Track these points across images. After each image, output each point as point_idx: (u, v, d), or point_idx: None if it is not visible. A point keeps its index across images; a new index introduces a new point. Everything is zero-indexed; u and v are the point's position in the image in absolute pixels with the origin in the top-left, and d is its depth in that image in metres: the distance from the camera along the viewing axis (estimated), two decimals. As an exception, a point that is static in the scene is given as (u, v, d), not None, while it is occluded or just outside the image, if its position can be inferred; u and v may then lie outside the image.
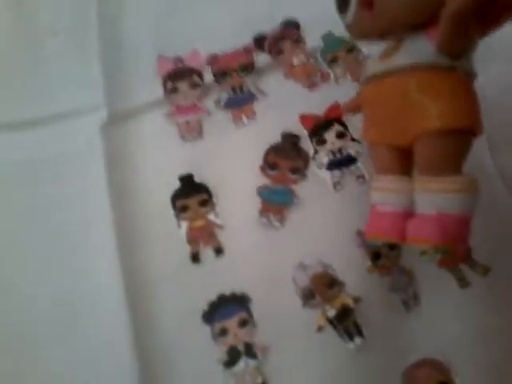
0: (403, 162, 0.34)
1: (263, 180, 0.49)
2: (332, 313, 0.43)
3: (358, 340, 0.42)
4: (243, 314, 0.44)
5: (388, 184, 0.35)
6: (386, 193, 0.35)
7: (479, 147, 0.48)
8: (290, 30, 0.54)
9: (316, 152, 0.49)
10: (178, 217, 0.48)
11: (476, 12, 0.28)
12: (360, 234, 0.45)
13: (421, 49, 0.31)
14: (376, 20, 0.32)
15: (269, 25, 0.55)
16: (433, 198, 0.31)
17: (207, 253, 0.47)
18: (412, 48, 0.32)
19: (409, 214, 0.33)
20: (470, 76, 0.32)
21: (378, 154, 0.36)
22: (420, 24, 0.31)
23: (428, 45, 0.31)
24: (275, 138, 0.50)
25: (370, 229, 0.36)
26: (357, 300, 0.43)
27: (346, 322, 0.43)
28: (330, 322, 0.43)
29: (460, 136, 0.31)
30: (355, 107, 0.41)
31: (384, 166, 0.36)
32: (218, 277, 0.46)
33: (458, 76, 0.31)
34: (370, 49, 0.52)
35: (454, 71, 0.31)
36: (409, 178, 0.34)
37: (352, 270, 0.45)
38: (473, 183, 0.31)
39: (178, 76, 0.53)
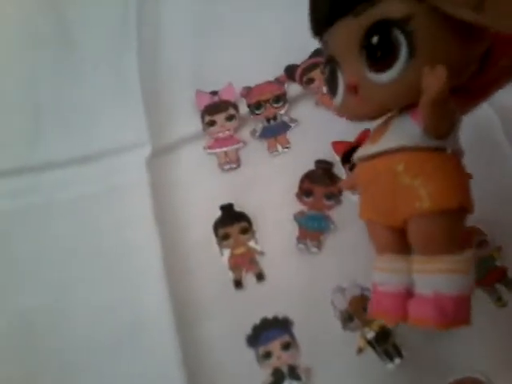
0: (401, 240, 0.34)
1: (299, 207, 0.51)
2: (371, 335, 0.44)
3: (397, 360, 0.43)
4: (286, 337, 0.46)
5: (387, 264, 0.35)
6: (386, 272, 0.34)
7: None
8: (320, 58, 0.56)
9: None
10: (220, 244, 0.50)
11: (456, 89, 0.30)
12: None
13: (407, 131, 0.31)
14: (362, 104, 0.33)
15: (299, 54, 0.57)
16: (428, 278, 0.31)
17: (249, 279, 0.49)
18: (399, 130, 0.32)
19: (410, 292, 0.33)
20: (457, 154, 0.33)
21: (375, 234, 0.36)
22: (406, 107, 0.32)
23: (414, 126, 0.31)
24: (309, 165, 0.52)
25: (372, 309, 0.36)
26: (395, 322, 0.45)
27: (385, 344, 0.44)
28: (370, 343, 0.44)
29: (451, 216, 0.31)
30: (353, 185, 0.40)
31: (382, 246, 0.35)
32: (261, 301, 0.48)
33: (445, 156, 0.31)
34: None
35: (442, 151, 0.31)
36: (408, 256, 0.34)
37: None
38: (468, 262, 0.31)
39: (215, 109, 0.56)
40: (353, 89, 0.32)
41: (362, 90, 0.32)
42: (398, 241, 0.34)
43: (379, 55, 0.30)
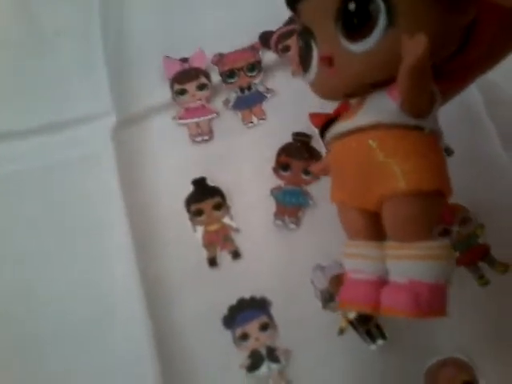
0: (375, 225, 0.31)
1: (276, 181, 0.48)
2: (353, 315, 0.43)
3: (380, 341, 0.42)
4: (264, 318, 0.44)
5: (359, 250, 0.32)
6: (358, 259, 0.32)
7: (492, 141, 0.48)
8: (296, 26, 0.53)
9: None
10: (192, 221, 0.47)
11: (436, 70, 0.28)
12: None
13: (383, 107, 0.29)
14: (336, 78, 0.31)
15: (275, 20, 0.54)
16: (403, 265, 0.29)
17: (224, 257, 0.46)
18: (374, 106, 0.30)
19: (384, 281, 0.31)
20: (436, 135, 0.30)
21: (347, 218, 0.33)
22: (382, 83, 0.29)
23: (390, 103, 0.29)
24: (286, 137, 0.50)
25: (342, 298, 0.33)
26: (377, 301, 0.43)
27: (367, 324, 0.43)
28: (352, 324, 0.43)
29: (427, 199, 0.29)
30: (325, 168, 0.38)
31: (355, 231, 0.33)
32: (237, 281, 0.46)
33: (423, 135, 0.29)
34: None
35: (419, 130, 0.29)
36: (382, 242, 0.31)
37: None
38: (445, 248, 0.29)
39: (185, 77, 0.52)
40: (327, 61, 0.30)
41: (336, 62, 0.30)
42: (372, 226, 0.31)
43: (356, 23, 0.28)
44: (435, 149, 0.30)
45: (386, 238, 0.31)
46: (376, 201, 0.30)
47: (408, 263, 0.29)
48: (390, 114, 0.29)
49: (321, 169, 0.39)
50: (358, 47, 0.28)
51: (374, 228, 0.31)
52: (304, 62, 0.33)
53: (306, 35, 0.32)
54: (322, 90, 0.33)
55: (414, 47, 0.25)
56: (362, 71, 0.29)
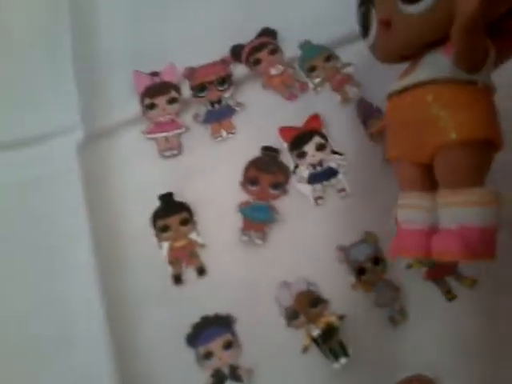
0: (427, 178, 0.34)
1: (244, 196, 0.48)
2: (316, 332, 0.42)
3: (343, 360, 0.42)
4: (228, 336, 0.43)
5: (412, 201, 0.35)
6: (410, 210, 0.35)
7: None
8: (267, 39, 0.53)
9: (296, 166, 0.48)
10: (158, 237, 0.47)
11: (492, 28, 0.30)
12: (342, 249, 0.45)
13: (438, 64, 0.32)
14: (394, 40, 0.34)
15: (246, 35, 0.53)
16: (454, 211, 0.31)
17: (190, 273, 0.46)
18: (429, 64, 0.33)
19: (434, 230, 0.33)
20: (489, 90, 0.33)
21: (401, 171, 0.36)
22: (437, 43, 0.32)
23: (445, 60, 0.32)
24: (255, 152, 0.49)
25: (395, 247, 0.36)
26: (341, 318, 0.43)
27: (330, 342, 0.42)
28: (315, 341, 0.42)
29: (479, 148, 0.31)
30: (382, 128, 0.40)
31: (409, 183, 0.36)
32: (201, 298, 0.45)
33: (476, 89, 0.32)
34: (349, 57, 0.51)
35: (473, 85, 0.32)
36: (433, 194, 0.34)
37: (336, 286, 0.44)
38: (493, 195, 0.31)
39: (156, 91, 0.52)
40: (385, 24, 0.34)
41: (394, 25, 0.33)
42: (424, 178, 0.34)
43: None
44: (487, 102, 0.32)
45: (437, 188, 0.33)
46: (430, 152, 0.32)
47: (458, 209, 0.31)
48: (445, 69, 0.32)
49: (380, 129, 0.42)
50: (415, 9, 0.31)
51: (427, 179, 0.34)
52: (364, 28, 0.37)
53: (366, 2, 0.36)
54: (380, 52, 0.37)
55: (468, 3, 0.28)
56: (418, 32, 0.32)
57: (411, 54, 0.35)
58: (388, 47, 0.36)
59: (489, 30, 0.30)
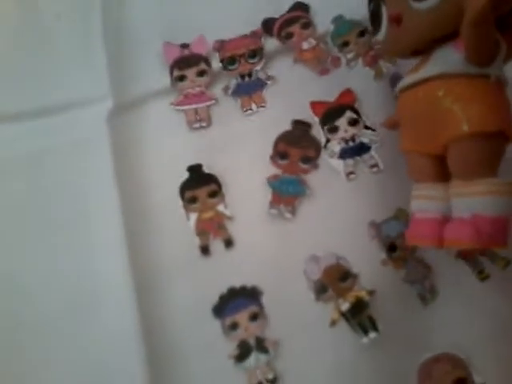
0: (439, 169, 0.35)
1: (273, 170, 0.47)
2: (346, 306, 0.42)
3: (372, 334, 0.41)
4: (254, 308, 0.43)
5: (425, 192, 0.36)
6: (424, 200, 0.36)
7: None
8: (300, 13, 0.52)
9: (328, 140, 0.47)
10: (186, 208, 0.46)
11: (502, 22, 0.31)
12: (374, 225, 0.44)
13: (448, 58, 0.33)
14: (405, 35, 0.35)
15: (278, 8, 0.53)
16: (466, 201, 0.32)
17: (217, 245, 0.46)
18: (440, 58, 0.33)
19: (447, 219, 0.34)
20: (500, 82, 0.33)
21: (414, 163, 0.37)
22: (448, 38, 0.33)
23: (456, 54, 0.32)
24: (286, 125, 0.48)
25: (409, 235, 0.37)
26: (371, 293, 0.42)
27: (360, 316, 0.42)
28: (344, 315, 0.42)
29: (490, 140, 0.31)
30: (395, 122, 0.41)
31: (421, 175, 0.37)
32: (229, 269, 0.45)
33: (487, 82, 0.32)
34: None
35: (484, 78, 0.32)
36: (446, 184, 0.35)
37: (366, 262, 0.43)
38: (506, 185, 0.31)
39: (185, 63, 0.51)
40: (396, 20, 0.34)
41: (405, 20, 0.34)
42: (436, 169, 0.35)
43: None
44: (499, 95, 0.33)
45: (448, 179, 0.34)
46: (442, 144, 0.33)
47: (471, 199, 0.32)
48: (456, 64, 0.32)
49: (392, 122, 0.42)
50: (424, 5, 0.32)
51: (439, 171, 0.35)
52: (375, 23, 0.38)
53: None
54: (391, 47, 0.38)
55: None
56: (428, 27, 0.33)
57: (422, 48, 0.35)
58: (399, 42, 0.36)
59: (498, 24, 0.30)
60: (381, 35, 0.37)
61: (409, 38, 0.35)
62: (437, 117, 0.33)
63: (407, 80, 0.35)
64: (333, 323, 0.42)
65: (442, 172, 0.35)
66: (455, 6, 0.30)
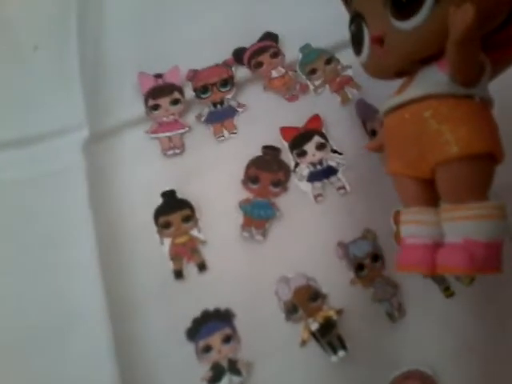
0: (428, 192, 0.34)
1: (245, 194, 0.49)
2: (315, 326, 0.43)
3: (341, 353, 0.42)
4: (227, 330, 0.44)
5: (415, 216, 0.35)
6: (414, 225, 0.35)
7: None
8: (269, 42, 0.54)
9: (297, 164, 0.49)
10: (160, 233, 0.47)
11: (485, 41, 0.30)
12: (342, 245, 0.45)
13: (433, 79, 0.32)
14: (388, 56, 0.34)
15: (248, 38, 0.55)
16: (458, 225, 0.31)
17: (191, 269, 0.46)
18: (425, 79, 0.33)
19: (439, 244, 0.33)
20: (486, 103, 0.33)
21: (402, 187, 0.36)
22: (431, 58, 0.32)
23: (441, 75, 0.32)
24: (256, 151, 0.50)
25: (399, 262, 0.36)
26: (339, 312, 0.43)
27: (329, 336, 0.42)
28: (314, 335, 0.43)
29: (480, 162, 0.31)
30: (379, 146, 0.41)
31: (410, 198, 0.36)
32: (202, 293, 0.45)
33: (473, 103, 0.32)
34: (349, 60, 0.52)
35: (470, 99, 0.32)
36: (436, 208, 0.34)
37: (335, 282, 0.45)
38: (498, 208, 0.31)
39: (159, 93, 0.53)
40: (378, 41, 0.34)
41: (387, 41, 0.33)
42: (426, 193, 0.34)
43: (405, 1, 0.31)
44: (486, 115, 0.33)
45: (438, 203, 0.34)
46: (430, 168, 0.32)
47: (463, 223, 0.31)
48: (441, 85, 0.32)
49: (376, 146, 0.42)
50: (408, 25, 0.31)
51: (428, 194, 0.34)
52: (356, 45, 0.37)
53: (358, 19, 0.35)
54: (374, 70, 0.37)
55: (462, 17, 0.27)
56: (412, 48, 0.32)
57: (406, 70, 0.35)
58: (382, 64, 0.36)
59: (482, 42, 0.30)
60: (363, 57, 0.36)
61: (392, 58, 0.34)
62: (424, 139, 0.32)
63: (392, 102, 0.35)
64: (303, 343, 0.43)
65: (431, 196, 0.34)
66: (440, 25, 0.30)
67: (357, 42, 0.37)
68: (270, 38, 0.55)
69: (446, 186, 0.32)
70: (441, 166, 0.32)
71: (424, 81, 0.33)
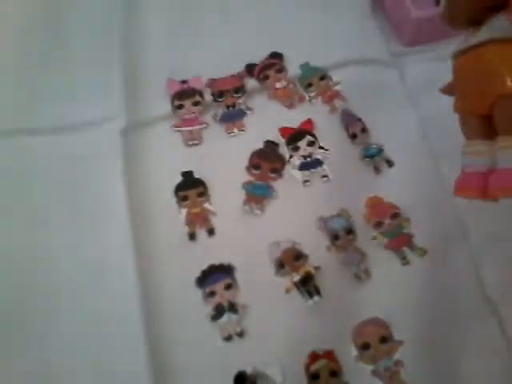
0: (488, 127, 0.38)
1: (248, 177, 0.60)
2: (297, 278, 0.54)
3: (316, 298, 0.53)
4: (229, 280, 0.55)
5: (473, 148, 0.39)
6: (473, 156, 0.39)
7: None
8: (275, 60, 0.67)
9: (291, 156, 0.61)
10: (179, 204, 0.59)
11: None
12: (322, 219, 0.57)
13: (498, 26, 0.36)
14: (459, 7, 0.39)
15: (258, 55, 0.68)
16: (510, 153, 0.35)
17: (202, 233, 0.58)
18: (490, 26, 0.37)
19: (492, 172, 0.37)
20: None
21: (465, 122, 0.41)
22: (497, 7, 0.37)
23: (505, 22, 0.36)
24: (259, 145, 0.62)
25: (457, 187, 0.41)
26: (317, 268, 0.54)
27: (308, 285, 0.54)
28: (296, 285, 0.54)
29: None
30: (450, 88, 0.44)
31: (471, 132, 0.40)
32: (210, 251, 0.56)
33: None
34: (339, 76, 0.65)
35: None
36: (493, 141, 0.38)
37: (315, 247, 0.56)
38: None
39: (184, 95, 0.65)
40: None
41: None
42: (486, 127, 0.38)
43: None
44: None
45: (495, 137, 0.38)
46: (490, 103, 0.36)
47: None
48: (504, 30, 0.36)
49: (448, 88, 0.45)
50: None
51: (486, 129, 0.38)
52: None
53: None
54: (448, 19, 0.41)
55: None
56: None
57: (476, 18, 0.38)
58: (455, 14, 0.39)
59: None
60: (440, 8, 0.43)
61: (462, 9, 0.38)
62: (486, 78, 0.36)
63: (460, 45, 0.39)
64: (287, 291, 0.54)
65: (490, 130, 0.37)
66: None
67: None
68: (276, 56, 0.67)
69: (501, 120, 0.36)
70: (498, 102, 0.35)
71: (489, 27, 0.37)
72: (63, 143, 0.63)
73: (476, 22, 0.39)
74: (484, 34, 0.37)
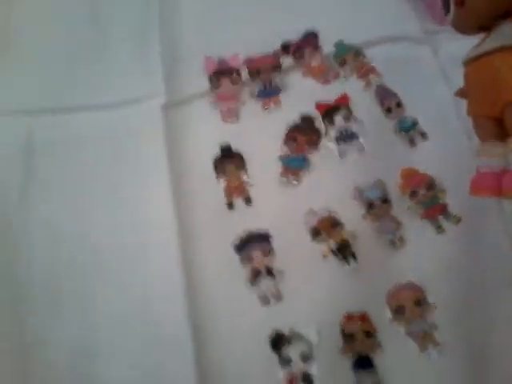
0: (500, 129, 0.39)
1: (285, 150, 0.62)
2: (334, 244, 0.56)
3: (353, 264, 0.55)
4: (266, 246, 0.57)
5: (487, 150, 0.40)
6: (486, 157, 0.40)
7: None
8: (310, 38, 0.69)
9: (327, 130, 0.63)
10: (218, 176, 0.61)
11: None
12: (358, 189, 0.58)
13: (507, 33, 0.37)
14: (468, 15, 0.40)
15: (294, 34, 0.69)
16: None
17: (239, 203, 0.60)
18: (499, 34, 0.38)
19: (506, 172, 0.39)
20: None
21: (478, 125, 0.42)
22: (506, 14, 0.38)
23: None
24: (295, 119, 0.64)
25: (473, 187, 0.41)
26: (353, 236, 0.56)
27: (344, 252, 0.55)
28: (333, 251, 0.56)
29: None
30: (463, 92, 0.46)
31: (485, 134, 0.41)
32: (247, 220, 0.58)
33: None
34: (373, 54, 0.67)
35: None
36: (505, 143, 0.39)
37: (351, 215, 0.58)
38: None
39: (222, 74, 0.68)
40: (459, 3, 0.40)
41: (466, 2, 0.39)
42: (498, 129, 0.39)
43: None
44: None
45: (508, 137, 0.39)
46: (501, 108, 0.38)
47: None
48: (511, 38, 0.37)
49: (462, 92, 0.46)
50: None
51: (499, 131, 0.39)
52: (445, 8, 0.43)
53: None
54: (457, 26, 0.42)
55: None
56: (486, 6, 0.38)
57: (486, 25, 0.39)
58: (464, 21, 0.41)
59: None
60: (450, 16, 0.41)
61: (471, 17, 0.39)
62: (496, 84, 0.37)
63: (472, 53, 0.40)
64: (324, 256, 0.56)
65: (503, 132, 0.39)
66: None
67: (445, 6, 0.42)
68: (312, 34, 0.69)
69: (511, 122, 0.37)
70: (508, 107, 0.37)
71: (498, 35, 0.38)
72: (106, 119, 0.66)
73: (485, 28, 0.40)
74: (494, 41, 0.38)
